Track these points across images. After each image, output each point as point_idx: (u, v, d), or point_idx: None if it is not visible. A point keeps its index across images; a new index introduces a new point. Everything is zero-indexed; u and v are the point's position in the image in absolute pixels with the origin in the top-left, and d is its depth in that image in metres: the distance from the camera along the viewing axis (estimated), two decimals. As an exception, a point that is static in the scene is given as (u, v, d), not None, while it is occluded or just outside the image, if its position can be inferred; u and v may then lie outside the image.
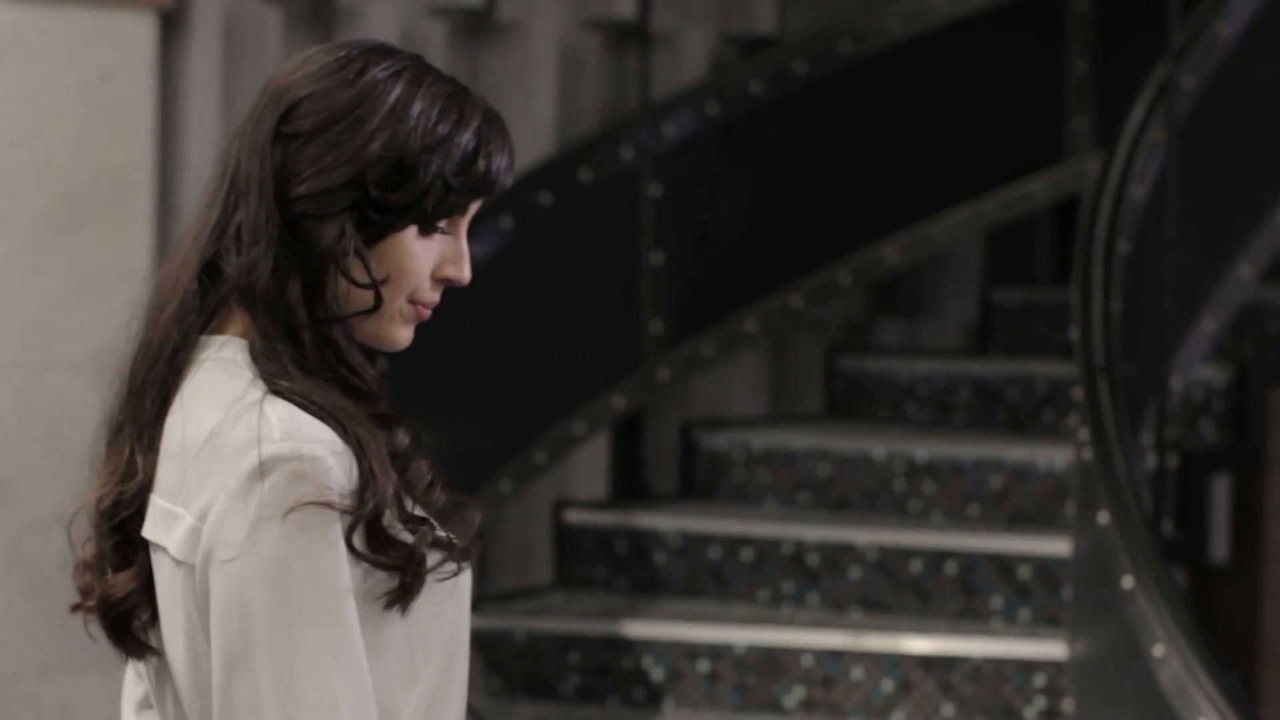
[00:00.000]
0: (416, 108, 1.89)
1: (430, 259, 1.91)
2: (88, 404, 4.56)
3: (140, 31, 4.59)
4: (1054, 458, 4.64)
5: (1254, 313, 5.10)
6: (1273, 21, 4.76)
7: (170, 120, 4.72)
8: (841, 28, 5.17)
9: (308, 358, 1.86)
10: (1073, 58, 5.36)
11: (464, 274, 1.93)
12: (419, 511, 1.86)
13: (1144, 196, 4.40)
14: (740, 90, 5.02)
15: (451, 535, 1.87)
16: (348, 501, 1.79)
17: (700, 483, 5.02)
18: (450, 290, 1.95)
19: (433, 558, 1.84)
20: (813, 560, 4.55)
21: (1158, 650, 3.60)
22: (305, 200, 1.87)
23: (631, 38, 5.42)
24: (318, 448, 1.79)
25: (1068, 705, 4.14)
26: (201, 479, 1.83)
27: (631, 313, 4.90)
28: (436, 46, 5.08)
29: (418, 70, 1.93)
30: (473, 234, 1.95)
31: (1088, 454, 3.95)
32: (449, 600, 1.88)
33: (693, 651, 4.30)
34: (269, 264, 1.86)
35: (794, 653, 4.28)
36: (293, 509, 1.77)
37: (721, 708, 4.29)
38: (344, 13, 4.95)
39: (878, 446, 4.83)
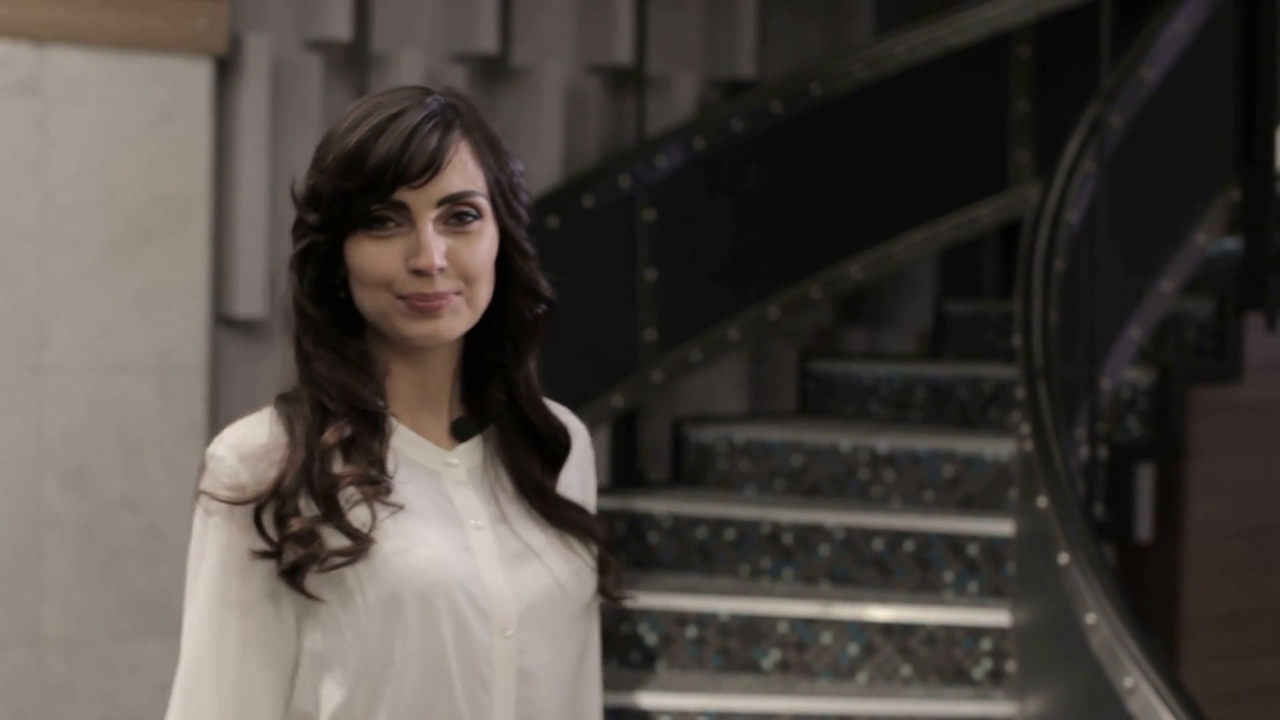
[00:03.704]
0: (331, 140, 1.86)
1: (391, 256, 1.83)
2: (151, 403, 4.59)
3: (197, 74, 4.59)
4: (999, 449, 4.64)
5: (1174, 322, 5.10)
6: (1190, 68, 4.76)
7: (224, 153, 4.72)
8: (813, 72, 5.17)
9: (300, 377, 1.88)
10: (1015, 99, 5.36)
11: (421, 261, 1.82)
12: (354, 504, 1.83)
13: (1078, 220, 4.41)
14: (724, 127, 5.02)
15: (359, 530, 1.81)
16: (230, 494, 1.82)
17: (689, 471, 5.02)
18: None
19: (331, 543, 1.80)
20: (787, 539, 4.55)
21: (1090, 618, 3.60)
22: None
23: (628, 81, 5.42)
24: (225, 449, 1.85)
25: (1011, 666, 4.14)
26: None
27: (628, 322, 4.90)
28: (457, 89, 5.08)
29: (363, 104, 1.87)
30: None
31: (1028, 446, 3.95)
32: (375, 616, 1.81)
33: (682, 619, 4.30)
34: (290, 290, 1.92)
35: (771, 620, 4.28)
36: (198, 495, 1.85)
37: (707, 669, 4.28)
38: (377, 60, 4.95)
39: (844, 440, 4.82)
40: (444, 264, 1.83)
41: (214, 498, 1.82)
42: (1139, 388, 4.88)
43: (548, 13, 5.30)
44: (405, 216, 1.83)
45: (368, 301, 1.86)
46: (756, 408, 5.72)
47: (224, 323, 4.77)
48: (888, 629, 4.23)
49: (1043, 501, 3.83)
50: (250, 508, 1.81)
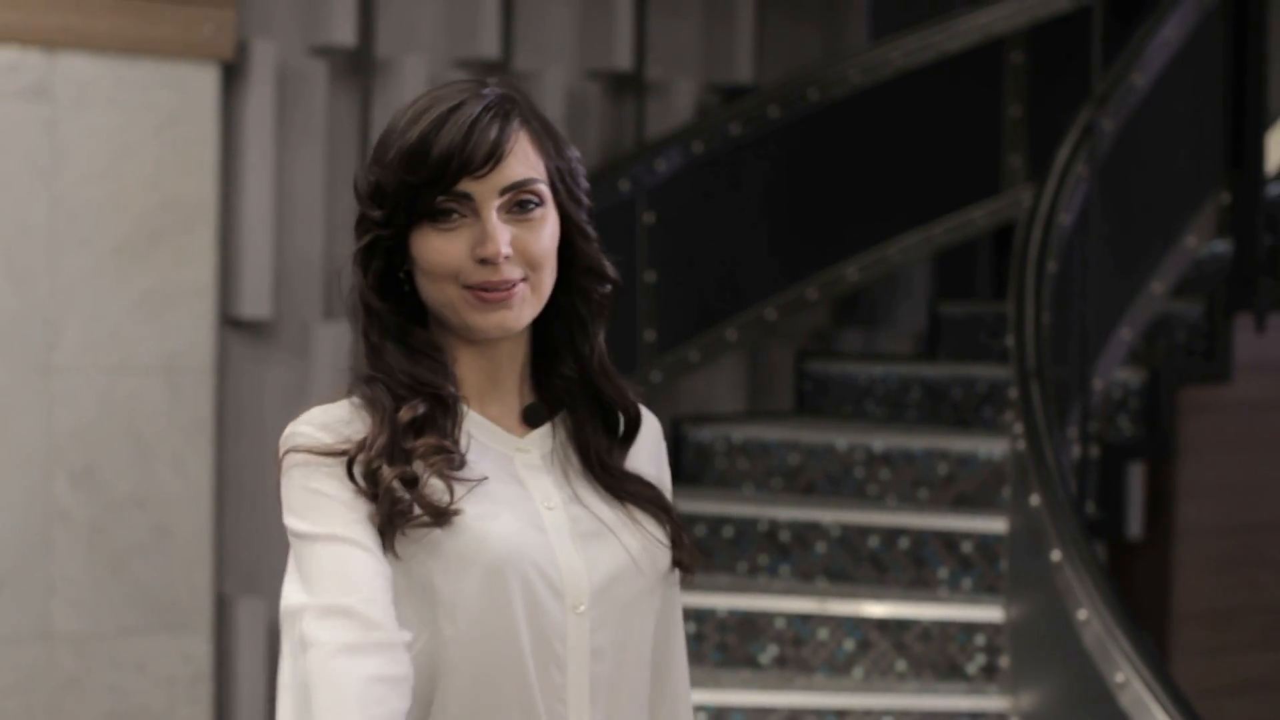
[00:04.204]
0: (391, 135, 1.86)
1: (458, 247, 1.83)
2: (159, 402, 4.59)
3: (204, 80, 4.59)
4: (992, 448, 4.64)
5: (1164, 323, 5.10)
6: (1180, 73, 4.76)
7: (230, 157, 4.73)
8: (809, 77, 5.18)
9: (372, 366, 1.88)
10: (1009, 103, 5.37)
11: (487, 250, 1.81)
12: (430, 476, 1.81)
13: (1070, 223, 4.41)
14: (722, 132, 5.02)
15: (436, 503, 1.80)
16: (322, 450, 1.82)
17: (688, 470, 5.02)
18: None
19: (419, 502, 1.79)
20: (784, 537, 4.55)
21: (1082, 614, 3.60)
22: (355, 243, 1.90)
23: (628, 86, 5.42)
24: (304, 424, 1.84)
25: (1004, 662, 4.14)
26: None
27: (628, 323, 4.90)
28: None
29: (421, 99, 1.87)
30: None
31: (1021, 445, 3.96)
32: (462, 576, 1.80)
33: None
34: (354, 284, 1.90)
35: (768, 616, 4.28)
36: (282, 457, 1.84)
37: (706, 664, 4.29)
38: (381, 65, 4.95)
39: (840, 439, 4.83)
40: (509, 252, 1.83)
41: (304, 450, 1.82)
42: (1130, 388, 4.88)
43: (549, 19, 5.30)
44: (469, 207, 1.83)
45: (435, 293, 1.85)
46: (754, 407, 5.72)
47: (231, 323, 4.77)
48: (883, 625, 4.24)
49: (1035, 500, 3.84)
50: (342, 462, 1.80)
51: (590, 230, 1.93)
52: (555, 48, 5.30)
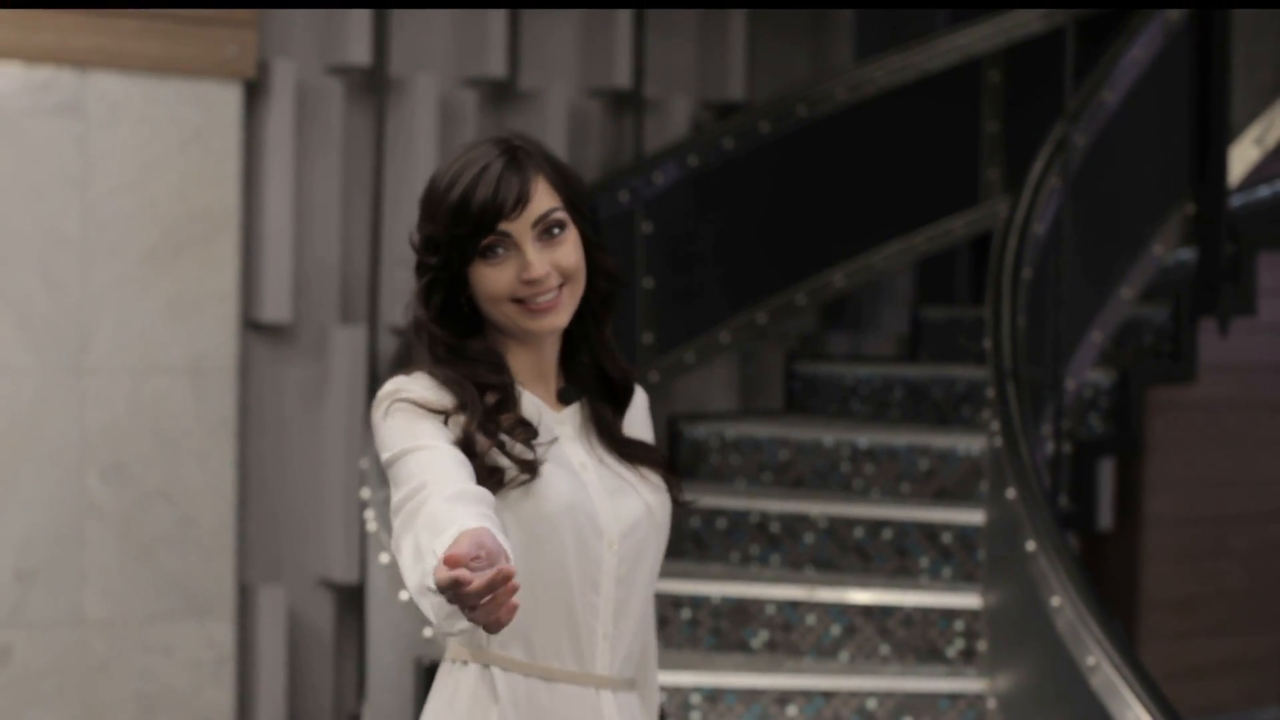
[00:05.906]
0: (436, 196, 2.18)
1: (508, 276, 2.17)
2: (185, 401, 4.60)
3: (228, 97, 4.60)
4: (971, 445, 4.64)
5: (1133, 327, 5.11)
6: (1148, 90, 4.77)
7: (253, 169, 4.74)
8: (798, 95, 5.18)
9: (437, 359, 2.21)
10: (986, 120, 5.37)
11: (530, 274, 2.16)
12: (514, 442, 2.15)
13: (1044, 233, 4.41)
14: (715, 146, 5.03)
15: (525, 458, 2.14)
16: (426, 402, 2.13)
17: (683, 465, 5.01)
18: None
19: (505, 464, 2.13)
20: (774, 528, 4.56)
21: (1055, 601, 3.60)
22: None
23: (627, 103, 5.43)
24: (409, 382, 2.17)
25: (981, 646, 4.14)
26: None
27: (628, 327, 4.90)
28: (469, 111, 5.09)
29: (455, 163, 2.17)
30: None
31: (998, 442, 3.96)
32: (530, 523, 2.13)
33: (677, 602, 4.31)
34: (414, 316, 2.23)
35: (759, 603, 4.28)
36: (389, 403, 2.16)
37: (701, 648, 4.29)
38: (394, 84, 4.96)
39: (827, 436, 4.83)
40: (547, 271, 2.17)
41: (411, 401, 2.12)
42: (1100, 387, 4.89)
43: (553, 40, 5.31)
44: (510, 242, 2.17)
45: (494, 311, 2.19)
46: (746, 406, 5.72)
47: (253, 327, 4.78)
48: (868, 611, 4.24)
49: (1011, 493, 3.84)
50: (440, 419, 2.12)
51: (599, 241, 2.27)
52: (559, 67, 5.31)
